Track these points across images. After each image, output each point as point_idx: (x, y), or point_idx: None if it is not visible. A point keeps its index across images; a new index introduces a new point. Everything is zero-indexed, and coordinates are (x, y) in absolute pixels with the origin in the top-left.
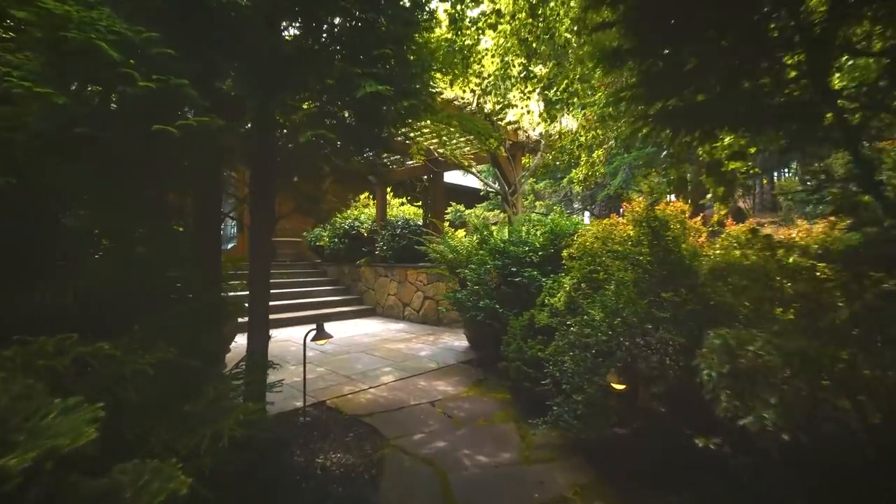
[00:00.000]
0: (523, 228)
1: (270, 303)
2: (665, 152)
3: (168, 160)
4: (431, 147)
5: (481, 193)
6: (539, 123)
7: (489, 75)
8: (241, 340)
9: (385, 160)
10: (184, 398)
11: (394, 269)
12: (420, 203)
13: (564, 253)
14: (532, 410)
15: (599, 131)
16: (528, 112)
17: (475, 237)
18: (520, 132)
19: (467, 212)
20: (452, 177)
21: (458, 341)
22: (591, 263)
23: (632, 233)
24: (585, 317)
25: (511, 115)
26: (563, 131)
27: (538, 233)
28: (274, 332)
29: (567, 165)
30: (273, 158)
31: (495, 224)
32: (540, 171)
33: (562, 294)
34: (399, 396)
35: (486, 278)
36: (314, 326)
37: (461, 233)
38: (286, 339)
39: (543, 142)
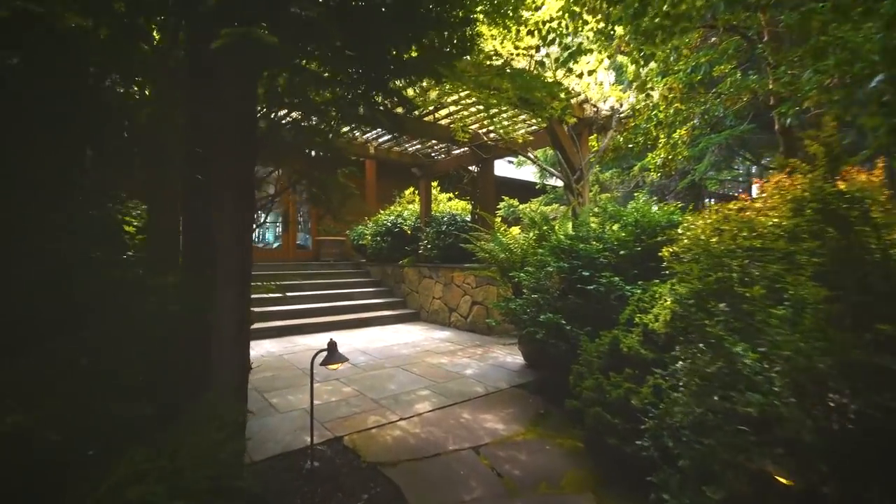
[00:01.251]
0: (593, 221)
1: (307, 305)
2: (878, 80)
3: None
4: (480, 131)
5: (537, 187)
6: (610, 94)
7: (551, 18)
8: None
9: (429, 149)
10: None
11: (439, 269)
12: (469, 198)
13: (665, 252)
14: (617, 472)
15: (682, 105)
16: (609, 57)
17: (532, 233)
18: (586, 106)
19: (521, 207)
20: (504, 170)
21: (510, 356)
22: (717, 268)
23: (784, 222)
24: (721, 358)
25: (583, 64)
26: (637, 105)
27: (614, 227)
28: (307, 339)
29: (641, 149)
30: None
31: (555, 219)
32: (609, 154)
33: (662, 310)
34: (435, 436)
35: (546, 284)
36: (326, 345)
37: (515, 230)
38: (320, 346)
39: (617, 116)
